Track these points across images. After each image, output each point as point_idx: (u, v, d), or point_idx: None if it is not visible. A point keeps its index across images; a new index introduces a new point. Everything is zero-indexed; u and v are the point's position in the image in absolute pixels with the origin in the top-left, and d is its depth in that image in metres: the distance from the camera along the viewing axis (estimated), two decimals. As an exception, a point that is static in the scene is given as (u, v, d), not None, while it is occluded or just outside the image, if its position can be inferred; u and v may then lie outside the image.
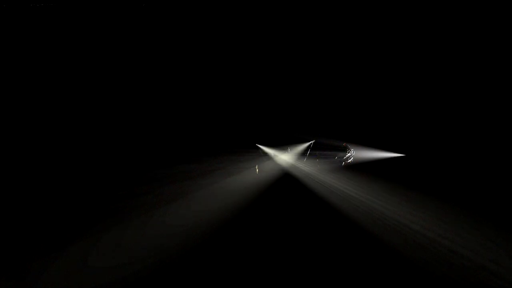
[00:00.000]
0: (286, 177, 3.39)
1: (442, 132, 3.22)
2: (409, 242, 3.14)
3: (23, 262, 2.95)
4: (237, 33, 3.30)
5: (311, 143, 3.46)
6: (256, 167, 3.38)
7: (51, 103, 3.18)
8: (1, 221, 2.99)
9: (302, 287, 3.02)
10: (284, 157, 3.57)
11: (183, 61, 3.33)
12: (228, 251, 3.14)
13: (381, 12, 3.21)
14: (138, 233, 3.12)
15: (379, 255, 3.11)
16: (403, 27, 3.21)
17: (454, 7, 3.12)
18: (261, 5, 3.23)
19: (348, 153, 3.34)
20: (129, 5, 3.17)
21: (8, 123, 3.09)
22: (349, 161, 3.33)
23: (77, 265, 2.99)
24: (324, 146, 3.41)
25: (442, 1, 3.13)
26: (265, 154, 3.34)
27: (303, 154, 3.46)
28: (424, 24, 3.18)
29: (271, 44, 3.32)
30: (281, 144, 3.57)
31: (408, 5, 3.17)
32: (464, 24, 3.14)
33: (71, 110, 3.21)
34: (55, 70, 3.16)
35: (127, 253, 3.06)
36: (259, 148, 3.44)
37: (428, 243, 3.10)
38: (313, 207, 3.27)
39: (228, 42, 3.32)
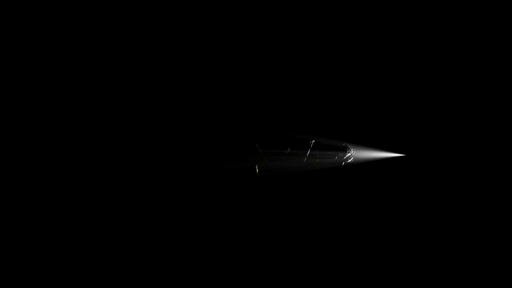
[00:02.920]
0: (285, 177, 3.38)
1: (442, 132, 3.21)
2: (409, 242, 3.13)
3: (23, 262, 2.96)
4: (235, 32, 3.30)
5: (311, 143, 3.45)
6: (256, 167, 3.37)
7: (57, 103, 3.18)
8: (1, 221, 2.99)
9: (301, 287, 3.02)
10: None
11: (179, 61, 3.33)
12: (228, 251, 3.14)
13: (381, 12, 3.20)
14: (138, 233, 3.12)
15: (378, 255, 3.11)
16: (403, 27, 3.20)
17: (454, 7, 3.12)
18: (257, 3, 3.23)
19: (348, 153, 3.33)
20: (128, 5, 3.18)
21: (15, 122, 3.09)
22: (349, 161, 3.32)
23: (77, 265, 2.99)
24: (323, 146, 3.40)
25: (442, 1, 3.12)
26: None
27: (303, 154, 3.45)
28: (424, 24, 3.17)
29: (270, 43, 3.32)
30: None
31: (408, 5, 3.16)
32: (464, 24, 3.13)
33: (73, 110, 3.21)
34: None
35: (127, 253, 3.07)
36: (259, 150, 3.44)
37: (427, 244, 3.10)
38: (312, 207, 3.27)
39: (226, 41, 3.32)
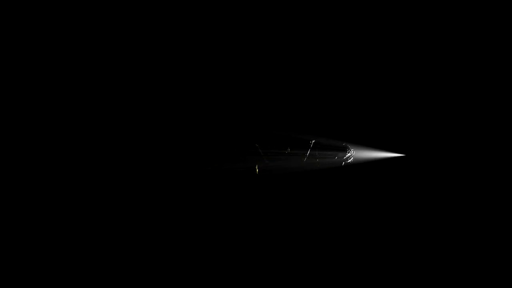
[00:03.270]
0: (285, 177, 3.39)
1: (442, 132, 3.21)
2: (410, 242, 3.13)
3: (22, 262, 2.96)
4: (233, 31, 3.30)
5: (311, 143, 3.45)
6: (256, 167, 3.37)
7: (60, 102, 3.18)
8: (1, 221, 2.99)
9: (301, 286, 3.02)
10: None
11: (180, 61, 3.33)
12: (228, 251, 3.14)
13: (381, 12, 3.20)
14: (138, 233, 3.12)
15: (378, 255, 3.11)
16: (403, 27, 3.20)
17: (454, 7, 3.12)
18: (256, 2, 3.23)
19: (348, 153, 3.33)
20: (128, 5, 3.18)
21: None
22: (349, 161, 3.32)
23: (77, 265, 2.99)
24: (323, 146, 3.40)
25: (442, 1, 3.12)
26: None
27: (303, 154, 3.45)
28: (424, 24, 3.17)
29: (270, 43, 3.32)
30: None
31: (408, 5, 3.16)
32: (464, 24, 3.13)
33: (75, 111, 3.22)
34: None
35: (127, 253, 3.07)
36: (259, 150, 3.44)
37: (427, 243, 3.10)
38: (312, 207, 3.27)
39: (225, 40, 3.32)
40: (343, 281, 3.00)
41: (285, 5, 3.23)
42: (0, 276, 2.85)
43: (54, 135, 3.17)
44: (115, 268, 2.99)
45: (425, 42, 3.19)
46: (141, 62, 3.28)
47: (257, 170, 3.37)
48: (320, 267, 3.05)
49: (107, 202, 3.15)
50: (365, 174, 3.28)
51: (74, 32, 3.18)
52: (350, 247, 3.12)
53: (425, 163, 3.20)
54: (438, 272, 2.97)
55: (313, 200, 3.27)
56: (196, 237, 3.14)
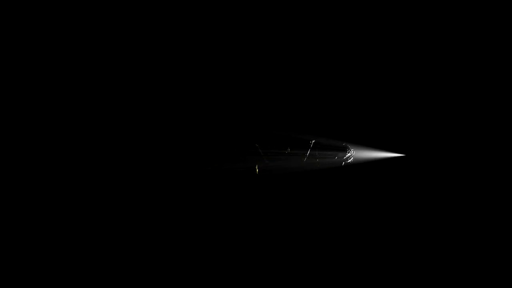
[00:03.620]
0: (285, 177, 3.39)
1: (442, 132, 3.21)
2: (410, 242, 3.13)
3: (22, 262, 2.96)
4: (232, 31, 3.30)
5: (311, 143, 3.45)
6: (256, 167, 3.37)
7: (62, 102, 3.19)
8: (1, 221, 2.99)
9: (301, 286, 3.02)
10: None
11: (179, 61, 3.33)
12: (228, 251, 3.14)
13: (380, 12, 3.20)
14: (138, 233, 3.12)
15: (378, 255, 3.11)
16: (403, 27, 3.20)
17: (454, 7, 3.12)
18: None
19: (348, 153, 3.33)
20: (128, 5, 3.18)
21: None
22: (349, 161, 3.32)
23: (77, 265, 2.99)
24: (323, 146, 3.40)
25: (442, 1, 3.13)
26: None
27: (303, 154, 3.45)
28: (424, 24, 3.17)
29: (269, 43, 3.32)
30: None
31: (408, 5, 3.17)
32: (464, 24, 3.13)
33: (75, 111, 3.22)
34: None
35: (127, 253, 3.07)
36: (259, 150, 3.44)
37: (427, 244, 3.10)
38: (312, 207, 3.27)
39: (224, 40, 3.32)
40: (343, 281, 3.00)
41: (284, 5, 3.23)
42: (0, 276, 2.85)
43: (54, 135, 3.17)
44: (115, 267, 2.99)
45: (425, 42, 3.19)
46: (141, 62, 3.28)
47: (257, 170, 3.37)
48: (320, 267, 3.05)
49: (107, 202, 3.15)
50: (365, 174, 3.28)
51: (74, 32, 3.18)
52: (350, 247, 3.12)
53: (425, 163, 3.20)
54: (438, 271, 2.97)
55: (313, 200, 3.27)
56: (196, 237, 3.14)
